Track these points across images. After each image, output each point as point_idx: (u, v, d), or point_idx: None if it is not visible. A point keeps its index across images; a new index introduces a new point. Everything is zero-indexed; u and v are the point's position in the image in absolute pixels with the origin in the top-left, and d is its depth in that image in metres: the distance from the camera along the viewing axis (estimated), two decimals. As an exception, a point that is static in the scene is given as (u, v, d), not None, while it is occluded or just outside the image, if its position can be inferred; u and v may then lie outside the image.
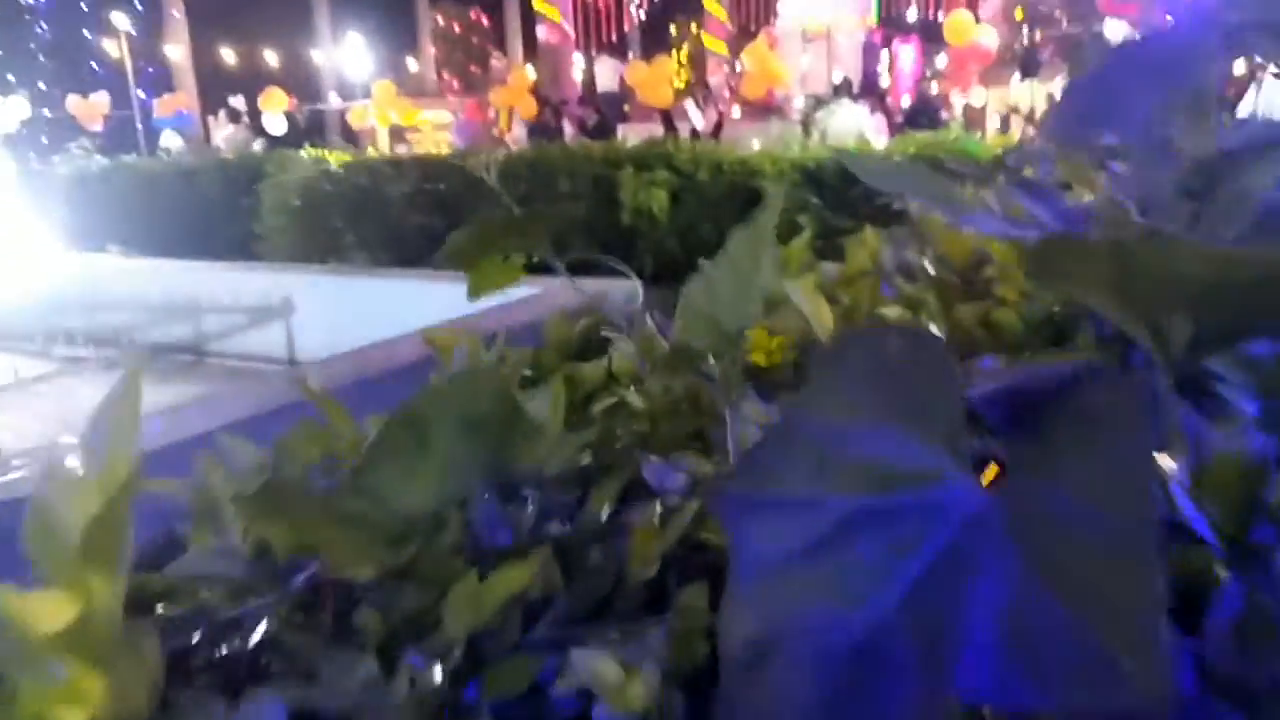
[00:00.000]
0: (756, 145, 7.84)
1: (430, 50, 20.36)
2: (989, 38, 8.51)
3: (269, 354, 7.73)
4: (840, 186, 7.15)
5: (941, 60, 11.23)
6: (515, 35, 23.85)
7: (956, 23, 9.01)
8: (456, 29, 16.78)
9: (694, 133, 14.91)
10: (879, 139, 7.69)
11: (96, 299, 8.74)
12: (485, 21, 17.39)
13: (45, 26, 23.28)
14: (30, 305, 8.93)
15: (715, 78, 13.62)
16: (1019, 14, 11.57)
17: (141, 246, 9.85)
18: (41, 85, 20.15)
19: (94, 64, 19.14)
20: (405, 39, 25.07)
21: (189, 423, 3.55)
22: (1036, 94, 8.34)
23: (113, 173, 11.27)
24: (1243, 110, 7.11)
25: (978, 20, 12.31)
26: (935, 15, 18.07)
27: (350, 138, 18.15)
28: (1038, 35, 11.60)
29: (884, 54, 14.99)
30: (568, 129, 10.62)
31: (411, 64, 22.06)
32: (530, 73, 11.35)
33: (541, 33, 17.05)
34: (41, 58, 22.55)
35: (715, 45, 20.78)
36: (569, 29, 17.49)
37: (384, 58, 21.64)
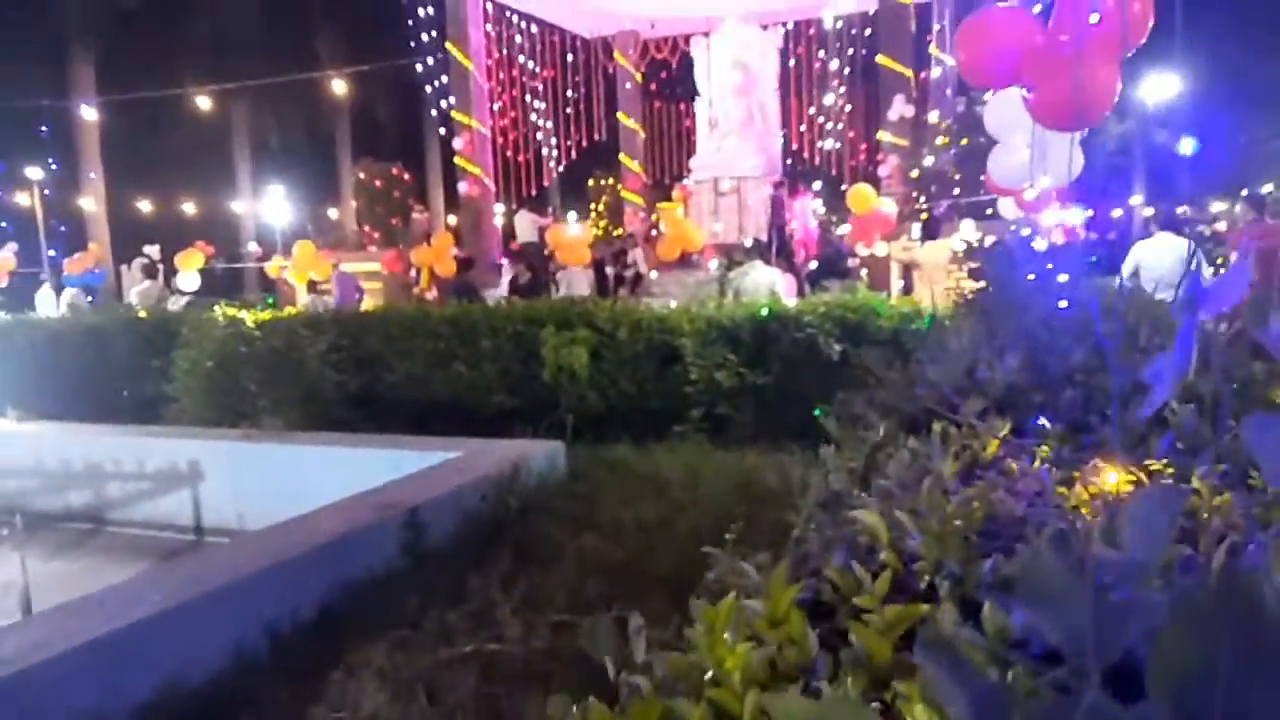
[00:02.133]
0: (673, 304, 8.06)
1: (352, 203, 20.64)
2: (888, 208, 9.07)
3: (174, 522, 7.42)
4: (756, 343, 7.38)
5: (845, 226, 11.89)
6: (437, 188, 24.52)
7: (859, 194, 9.60)
8: (378, 183, 17.07)
9: (619, 279, 15.35)
10: (789, 299, 7.99)
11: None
12: (407, 176, 17.76)
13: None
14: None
15: (635, 251, 14.17)
16: (914, 174, 12.38)
17: (45, 408, 9.45)
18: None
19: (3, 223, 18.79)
20: (327, 191, 25.47)
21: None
22: (936, 251, 8.85)
23: (14, 329, 10.93)
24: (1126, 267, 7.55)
25: (878, 183, 13.17)
26: (839, 167, 19.20)
27: (268, 286, 18.08)
28: (932, 190, 12.40)
29: (796, 205, 15.77)
30: (496, 291, 10.77)
31: (333, 214, 22.31)
32: (450, 239, 11.57)
33: (463, 186, 17.48)
34: None
35: (632, 197, 21.64)
36: (489, 182, 17.98)
37: (305, 210, 21.83)
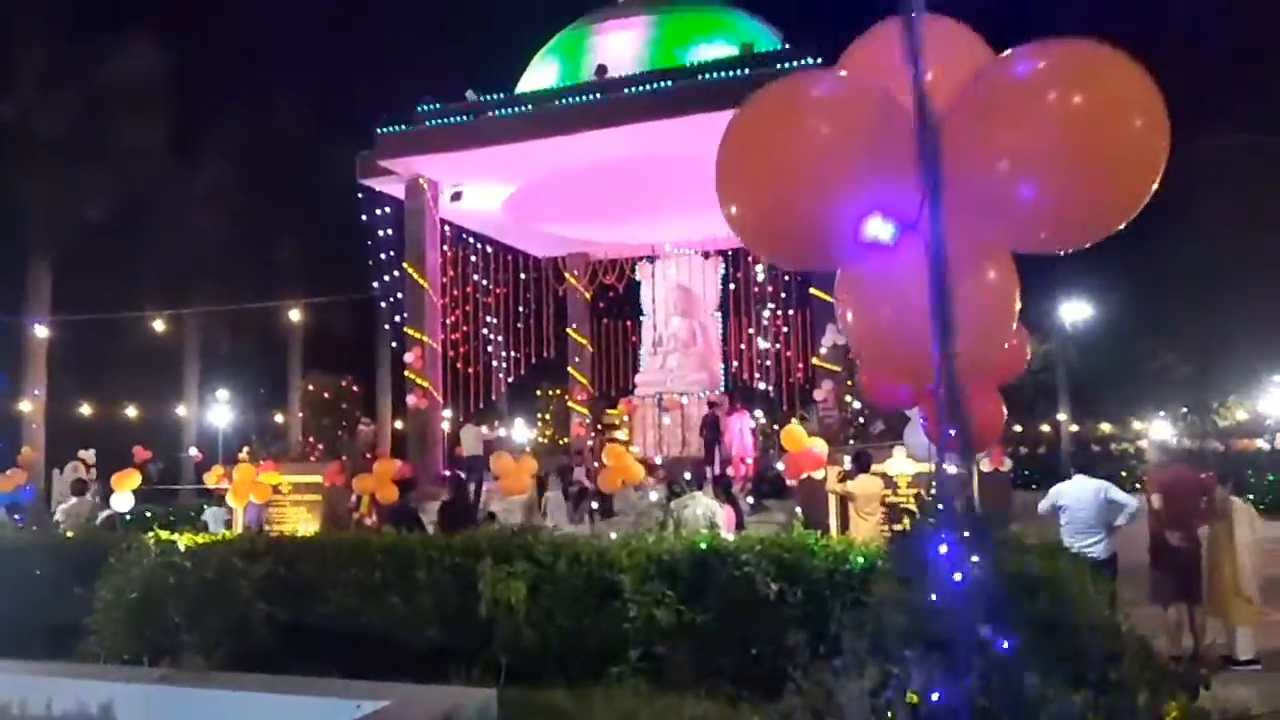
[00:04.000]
0: (614, 535, 8.12)
1: (298, 413, 20.70)
2: (820, 447, 9.47)
3: (76, 772, 6.95)
4: (694, 579, 7.40)
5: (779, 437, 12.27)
6: (385, 398, 24.82)
7: (791, 434, 10.02)
8: (326, 395, 17.25)
9: (565, 495, 15.37)
10: (728, 532, 8.12)
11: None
12: (356, 388, 18.00)
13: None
14: None
15: (580, 468, 14.42)
16: (848, 399, 12.93)
17: (-53, 637, 8.95)
18: None
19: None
20: (275, 399, 25.60)
21: None
22: (867, 484, 9.15)
23: (-69, 548, 10.52)
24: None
25: (813, 406, 13.67)
26: (779, 386, 19.90)
27: (205, 495, 17.70)
28: (865, 415, 12.90)
29: (734, 422, 16.20)
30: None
31: (278, 425, 22.30)
32: (392, 466, 11.67)
33: (411, 399, 17.72)
34: None
35: (579, 408, 22.08)
36: (438, 395, 18.25)
37: (251, 416, 21.84)
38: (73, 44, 23.04)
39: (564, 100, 16.42)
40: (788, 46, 15.95)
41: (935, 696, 2.18)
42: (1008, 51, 2.50)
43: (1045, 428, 42.52)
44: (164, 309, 21.52)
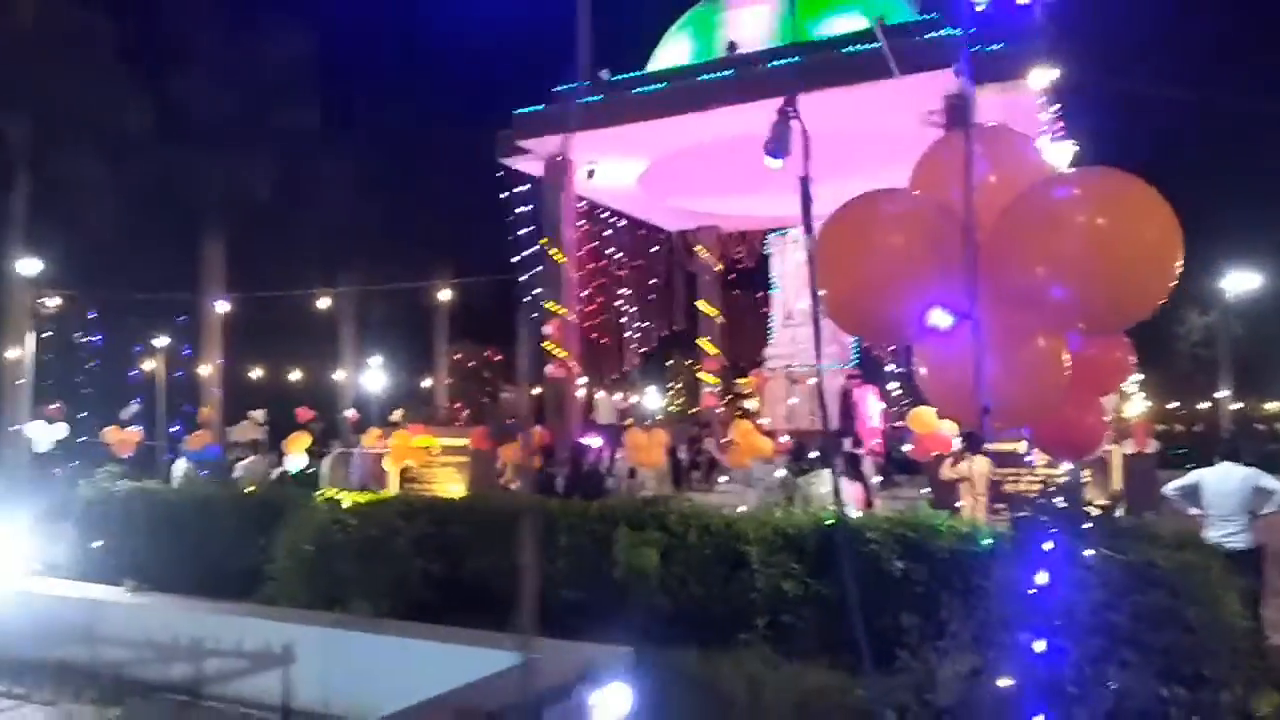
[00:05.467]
0: (743, 508, 8.47)
1: (444, 380, 21.89)
2: (948, 429, 9.48)
3: (263, 701, 7.87)
4: (820, 553, 7.67)
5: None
6: (524, 368, 25.78)
7: (920, 416, 10.07)
8: (471, 363, 18.19)
9: (693, 465, 15.78)
10: (855, 509, 8.32)
11: (100, 634, 8.97)
12: (498, 357, 18.89)
13: (93, 360, 25.60)
14: (32, 635, 9.13)
15: (709, 439, 14.79)
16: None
17: (155, 575, 10.11)
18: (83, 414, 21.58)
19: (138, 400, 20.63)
20: (422, 367, 27.04)
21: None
22: (980, 464, 9.18)
23: (134, 498, 11.83)
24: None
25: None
26: (908, 362, 19.62)
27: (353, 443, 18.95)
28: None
29: (864, 397, 16.20)
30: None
31: (425, 390, 23.62)
32: (540, 434, 12.32)
33: (549, 368, 18.46)
34: (87, 390, 24.55)
35: (708, 378, 22.42)
36: (574, 365, 18.94)
37: (400, 384, 23.25)
38: (238, 39, 24.82)
39: (695, 77, 16.61)
40: (921, 17, 15.61)
41: (1023, 683, 2.43)
42: (1050, 175, 3.07)
43: (1205, 405, 40.07)
44: (324, 284, 23.14)
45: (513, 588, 8.79)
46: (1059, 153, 12.69)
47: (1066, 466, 6.37)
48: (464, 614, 8.21)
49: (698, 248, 22.74)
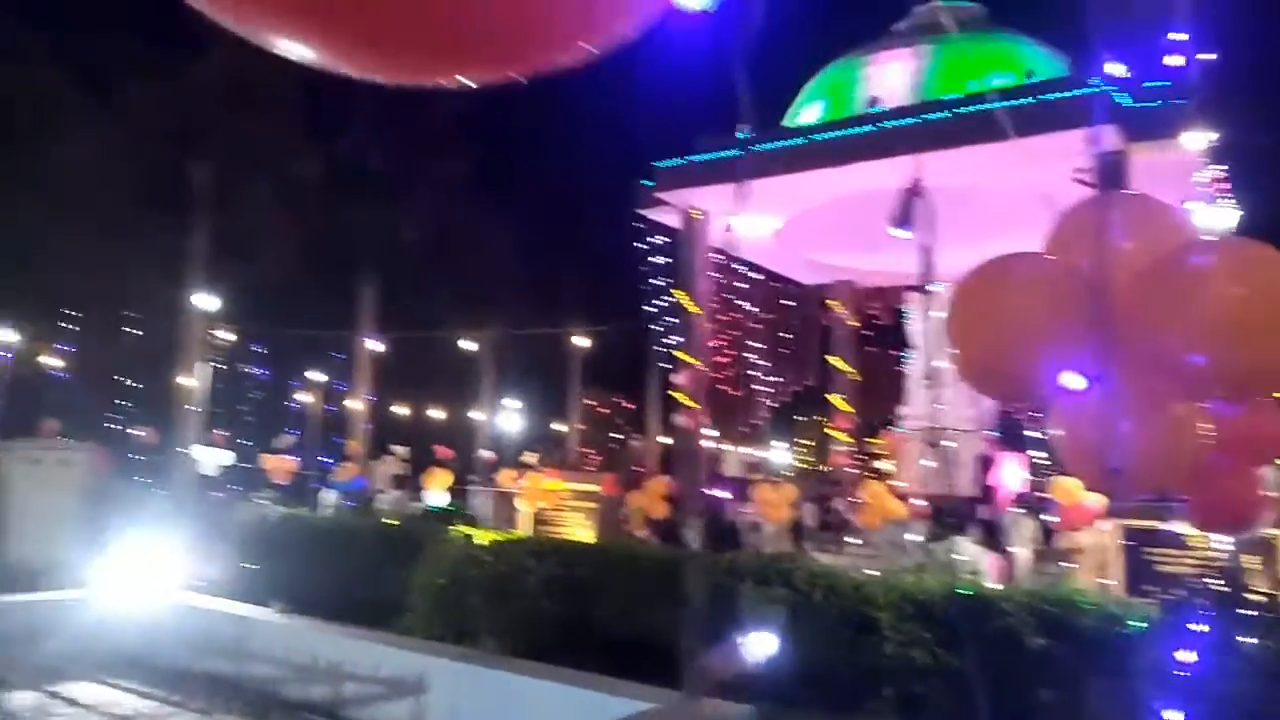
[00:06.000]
0: (870, 571, 8.29)
1: (576, 425, 22.33)
2: (1095, 501, 9.05)
3: (396, 728, 8.17)
4: (953, 623, 7.41)
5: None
6: (653, 418, 26.10)
7: (1064, 486, 9.65)
8: (602, 410, 18.54)
9: (823, 525, 15.52)
10: (993, 582, 8.03)
11: (248, 650, 9.54)
12: (628, 405, 19.18)
13: (257, 391, 27.67)
14: (188, 646, 9.78)
15: (839, 500, 14.55)
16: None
17: (300, 598, 10.68)
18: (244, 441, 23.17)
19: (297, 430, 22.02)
20: (555, 412, 27.70)
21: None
22: (1101, 536, 8.72)
23: (285, 524, 12.59)
24: None
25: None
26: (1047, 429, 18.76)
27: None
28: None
29: (1003, 465, 15.58)
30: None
31: (556, 434, 24.15)
32: (662, 484, 12.46)
33: (678, 418, 18.60)
34: (250, 418, 26.49)
35: (840, 436, 22.04)
36: (703, 416, 19.00)
37: (535, 425, 23.89)
38: (400, 99, 26.49)
39: (835, 132, 16.66)
40: (1072, 73, 15.21)
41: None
42: (1189, 241, 3.08)
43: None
44: (468, 328, 24.15)
45: (633, 634, 8.90)
46: (1218, 216, 12.07)
47: (1227, 549, 6.00)
48: (587, 657, 8.32)
49: (832, 303, 22.56)
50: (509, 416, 24.71)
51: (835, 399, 22.18)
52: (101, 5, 25.61)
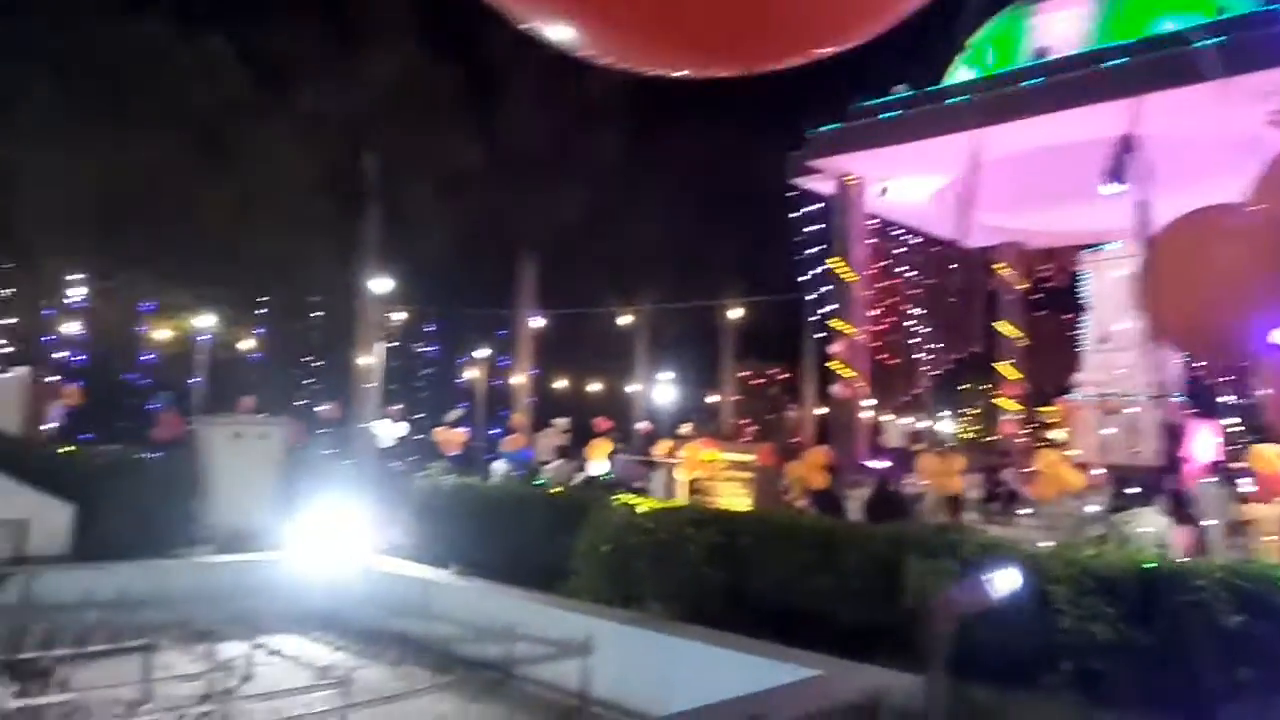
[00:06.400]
0: (1043, 544, 7.96)
1: (730, 397, 22.37)
2: (1295, 471, 8.34)
3: (564, 687, 8.51)
4: (1138, 598, 7.03)
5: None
6: (810, 388, 25.84)
7: (1262, 454, 8.91)
8: (757, 381, 18.48)
9: (990, 497, 14.98)
10: (1179, 554, 7.55)
11: (429, 610, 10.15)
12: (783, 376, 19.05)
13: (428, 368, 29.30)
14: (375, 606, 10.51)
15: (1009, 470, 13.97)
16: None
17: (473, 561, 11.26)
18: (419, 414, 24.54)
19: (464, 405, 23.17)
20: (709, 384, 27.86)
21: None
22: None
23: (458, 492, 13.24)
24: None
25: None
26: (1244, 393, 17.36)
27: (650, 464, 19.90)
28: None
29: (1193, 433, 14.54)
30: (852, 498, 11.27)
31: (710, 405, 24.30)
32: (821, 455, 12.34)
33: (836, 388, 18.32)
34: (423, 393, 28.10)
35: (1008, 405, 21.13)
36: (862, 386, 18.63)
37: (689, 396, 24.13)
38: (552, 79, 27.11)
39: (1002, 86, 15.84)
40: (1268, 7, 13.84)
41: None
42: None
43: None
44: (624, 303, 24.63)
45: (794, 603, 8.88)
46: None
47: None
48: (748, 624, 8.39)
49: (999, 265, 21.54)
50: (664, 389, 25.06)
51: (1002, 366, 21.25)
52: (277, 8, 27.47)
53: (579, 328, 27.00)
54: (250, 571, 11.01)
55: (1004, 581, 4.43)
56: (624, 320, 25.43)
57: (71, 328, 25.59)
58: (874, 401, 20.19)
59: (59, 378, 16.34)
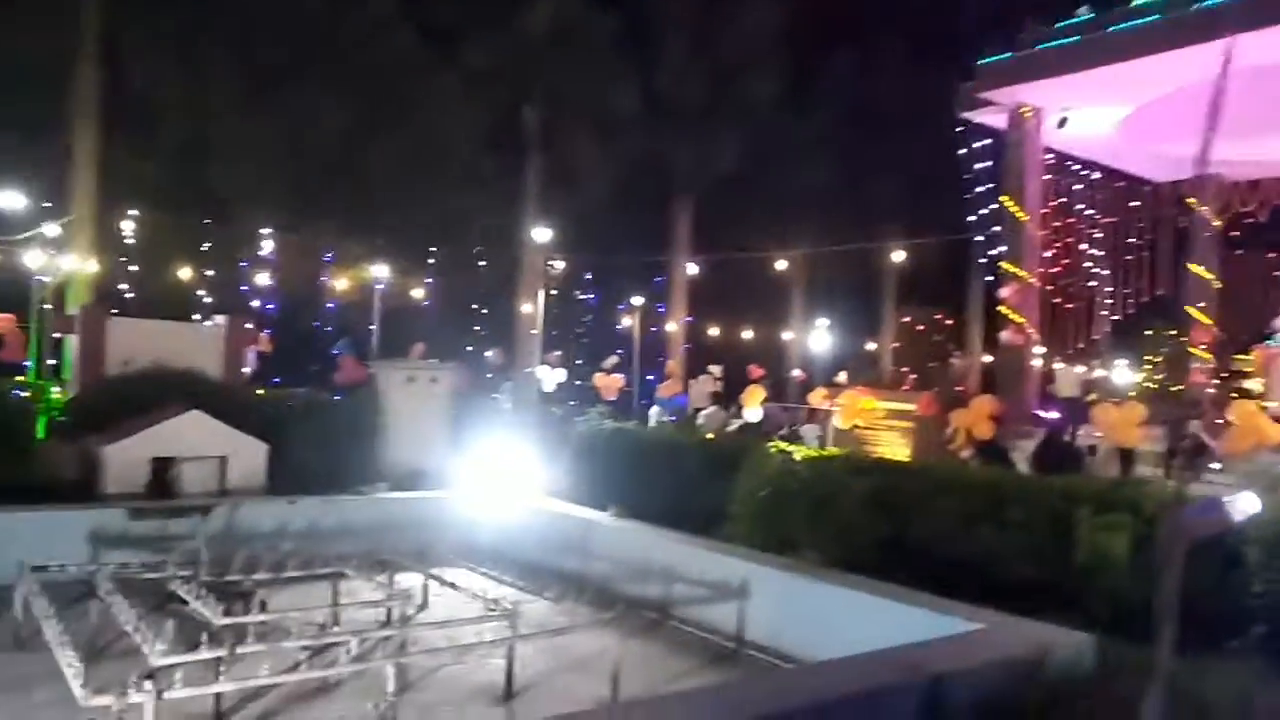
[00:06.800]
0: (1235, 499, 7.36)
1: (890, 344, 21.74)
2: None
3: (720, 629, 8.65)
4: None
5: None
6: (975, 334, 24.73)
7: None
8: (919, 327, 17.89)
9: (1173, 451, 14.00)
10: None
11: (590, 549, 10.50)
12: (947, 321, 18.35)
13: (589, 315, 29.98)
14: (540, 544, 10.97)
15: (1196, 421, 12.98)
16: None
17: (630, 504, 11.51)
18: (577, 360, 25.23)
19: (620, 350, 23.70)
20: (868, 329, 27.13)
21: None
22: None
23: (616, 436, 13.54)
24: None
25: None
26: None
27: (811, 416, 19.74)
28: None
29: None
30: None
31: (869, 353, 23.69)
32: (988, 404, 11.81)
33: (1005, 334, 17.49)
34: (583, 340, 28.81)
35: (1199, 353, 19.56)
36: (1033, 331, 17.71)
37: (845, 345, 23.60)
38: (706, 20, 26.66)
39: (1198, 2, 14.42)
40: None
41: None
42: None
43: None
44: (778, 248, 24.24)
45: (957, 556, 8.62)
46: None
47: None
48: (908, 576, 8.23)
49: (1191, 201, 19.82)
50: (819, 335, 24.64)
51: (1193, 310, 19.64)
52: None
53: (734, 274, 26.83)
54: (423, 508, 11.69)
55: (1245, 504, 4.07)
56: (780, 265, 25.07)
57: (262, 279, 27.65)
58: (1046, 348, 19.17)
59: (253, 326, 17.67)
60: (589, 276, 29.96)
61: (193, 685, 5.33)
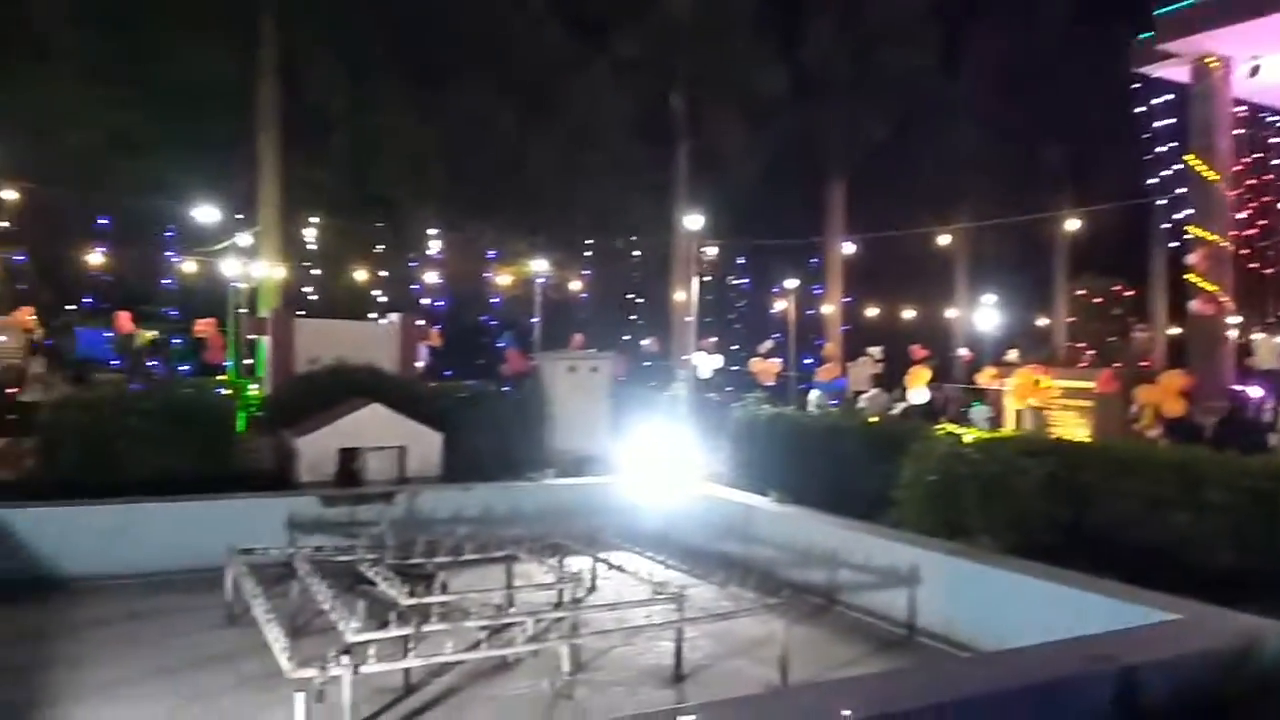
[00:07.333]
0: None
1: (1063, 317, 20.54)
2: None
3: (890, 615, 8.48)
4: None
5: None
6: (1159, 305, 22.96)
7: None
8: (1095, 299, 16.84)
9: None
10: None
11: (752, 534, 10.50)
12: (1127, 292, 17.18)
13: (743, 300, 29.91)
14: (703, 529, 11.03)
15: None
16: None
17: (791, 489, 11.42)
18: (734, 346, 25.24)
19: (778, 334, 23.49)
20: (1039, 302, 25.72)
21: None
22: None
23: (775, 421, 13.44)
24: None
25: None
26: None
27: (977, 395, 18.97)
28: None
29: None
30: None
31: (1039, 329, 22.46)
32: (1179, 379, 10.97)
33: (1194, 304, 16.22)
34: (737, 325, 28.79)
35: None
36: (1226, 300, 16.34)
37: (1014, 322, 22.46)
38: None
39: None
40: None
41: None
42: None
43: None
44: (938, 222, 23.31)
45: (1146, 542, 8.10)
46: None
47: None
48: (1090, 563, 7.80)
49: None
50: (986, 313, 23.54)
51: None
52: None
53: (892, 252, 26.01)
54: (590, 493, 12.01)
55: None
56: (941, 241, 24.10)
57: (431, 277, 29.02)
58: (1241, 318, 17.66)
59: (424, 322, 18.59)
60: (742, 261, 29.80)
61: (384, 661, 5.70)
